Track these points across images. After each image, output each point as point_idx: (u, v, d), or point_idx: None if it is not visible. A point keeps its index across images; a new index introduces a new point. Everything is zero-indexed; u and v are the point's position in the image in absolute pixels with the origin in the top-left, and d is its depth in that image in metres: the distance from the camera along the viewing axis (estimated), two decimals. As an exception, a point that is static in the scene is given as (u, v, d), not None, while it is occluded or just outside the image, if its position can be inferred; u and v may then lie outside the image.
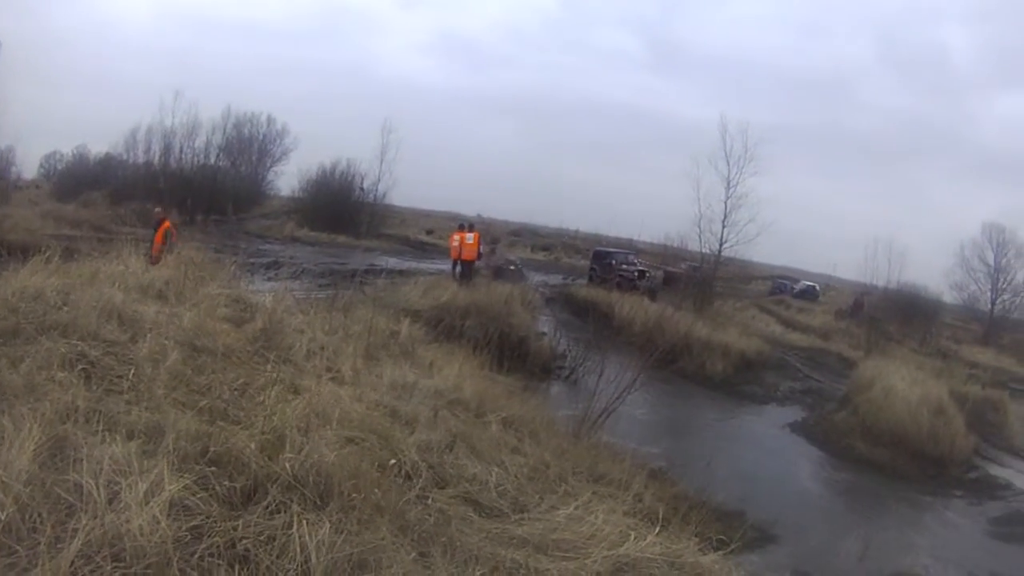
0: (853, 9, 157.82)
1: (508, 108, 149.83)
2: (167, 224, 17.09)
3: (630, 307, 29.21)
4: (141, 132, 51.80)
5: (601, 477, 9.88)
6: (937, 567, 13.18)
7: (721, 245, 37.22)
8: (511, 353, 18.86)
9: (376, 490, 6.01)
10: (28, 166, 57.42)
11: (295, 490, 5.57)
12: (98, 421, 5.74)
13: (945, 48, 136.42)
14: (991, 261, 50.44)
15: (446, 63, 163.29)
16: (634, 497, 9.42)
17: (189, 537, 4.73)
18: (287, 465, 5.72)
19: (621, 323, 27.31)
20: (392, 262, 36.21)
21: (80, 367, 6.88)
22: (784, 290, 60.12)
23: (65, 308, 8.03)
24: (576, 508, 7.65)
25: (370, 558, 5.14)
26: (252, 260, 22.30)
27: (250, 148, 58.30)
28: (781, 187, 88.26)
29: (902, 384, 21.33)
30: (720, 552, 7.86)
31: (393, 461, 6.95)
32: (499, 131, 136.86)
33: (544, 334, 22.91)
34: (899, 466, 18.78)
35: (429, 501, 6.74)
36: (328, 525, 5.14)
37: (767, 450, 18.88)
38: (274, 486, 5.53)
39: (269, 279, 17.38)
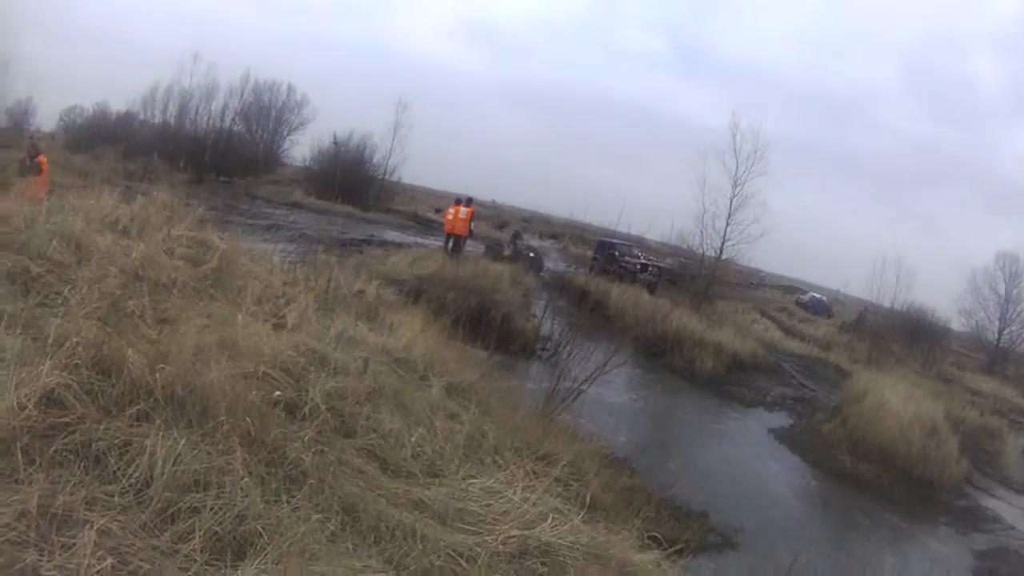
0: (878, 33, 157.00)
1: (527, 98, 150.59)
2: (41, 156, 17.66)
3: (626, 298, 28.57)
4: (160, 92, 53.50)
5: (545, 457, 9.04)
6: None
7: (723, 243, 36.44)
8: (493, 330, 18.23)
9: (248, 418, 5.74)
10: (48, 119, 57.66)
11: (170, 406, 5.53)
12: (20, 325, 5.86)
13: (968, 78, 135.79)
14: (1002, 291, 49.65)
15: (469, 49, 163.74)
16: (577, 481, 8.72)
17: (53, 431, 4.87)
18: (157, 376, 5.59)
19: (615, 313, 26.76)
20: (393, 235, 35.95)
21: (21, 281, 7.16)
22: (816, 308, 58.91)
23: (26, 232, 8.15)
24: (495, 481, 6.96)
25: (213, 479, 5.06)
26: (251, 221, 21.91)
27: (268, 115, 58.32)
28: (794, 202, 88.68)
29: (896, 399, 20.38)
30: (663, 551, 7.17)
31: (278, 393, 6.60)
32: (517, 120, 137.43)
33: (532, 315, 22.12)
34: (884, 485, 17.84)
35: (320, 446, 6.23)
36: (183, 442, 5.14)
37: (746, 454, 17.95)
38: (150, 399, 5.50)
39: (264, 240, 17.02)
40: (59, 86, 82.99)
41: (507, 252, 30.20)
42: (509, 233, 37.61)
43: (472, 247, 29.48)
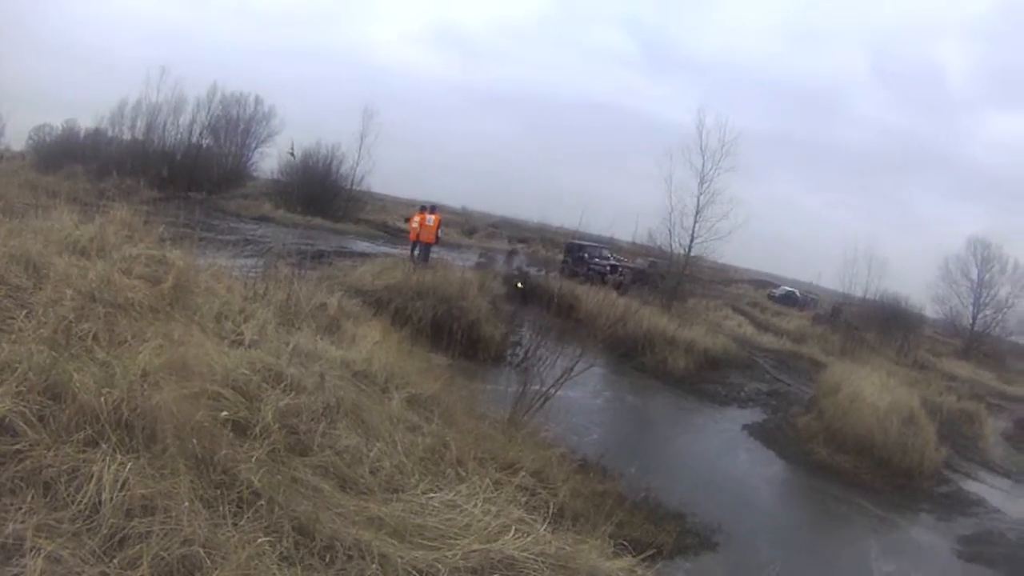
0: (848, 23, 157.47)
1: (496, 103, 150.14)
2: None
3: (597, 300, 28.39)
4: (128, 107, 52.85)
5: (510, 466, 8.87)
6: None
7: (692, 241, 35.90)
8: (460, 337, 18.41)
9: (195, 440, 5.70)
10: (17, 138, 57.05)
11: (118, 430, 5.52)
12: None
13: (939, 65, 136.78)
14: (975, 276, 50.14)
15: (438, 55, 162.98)
16: (545, 489, 8.55)
17: (4, 459, 4.92)
18: (102, 400, 5.59)
19: (586, 316, 26.57)
20: (363, 245, 35.72)
21: (-24, 308, 7.06)
22: (795, 302, 58.84)
23: (-19, 257, 8.10)
24: (456, 494, 6.77)
25: (159, 503, 5.00)
26: (220, 237, 21.68)
27: (236, 128, 57.51)
28: (767, 195, 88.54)
29: (871, 389, 20.30)
30: (638, 557, 7.01)
31: (224, 413, 6.49)
32: (486, 125, 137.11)
33: (501, 321, 21.84)
34: (863, 475, 17.76)
35: (271, 466, 6.16)
36: (129, 466, 5.13)
37: (721, 451, 17.81)
38: (98, 424, 5.49)
39: (232, 257, 16.87)
40: (27, 103, 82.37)
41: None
42: (507, 249, 37.02)
43: (449, 256, 29.23)
